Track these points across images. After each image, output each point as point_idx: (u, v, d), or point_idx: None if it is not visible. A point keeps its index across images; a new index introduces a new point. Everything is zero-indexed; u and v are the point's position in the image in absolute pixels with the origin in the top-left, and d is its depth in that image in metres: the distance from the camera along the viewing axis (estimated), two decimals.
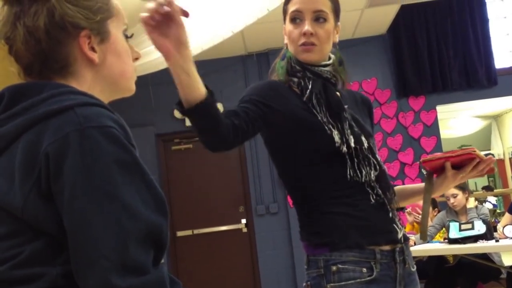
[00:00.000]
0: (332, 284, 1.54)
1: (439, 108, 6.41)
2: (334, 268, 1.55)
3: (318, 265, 1.58)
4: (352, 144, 1.62)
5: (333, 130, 1.62)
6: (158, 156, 6.45)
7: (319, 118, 1.64)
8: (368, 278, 1.56)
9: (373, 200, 1.62)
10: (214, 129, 1.53)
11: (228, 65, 6.47)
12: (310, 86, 1.69)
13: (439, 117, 6.42)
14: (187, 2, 4.26)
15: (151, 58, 4.43)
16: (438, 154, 1.67)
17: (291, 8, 1.75)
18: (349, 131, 1.64)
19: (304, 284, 1.63)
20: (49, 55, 1.02)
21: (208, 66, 6.36)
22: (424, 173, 1.77)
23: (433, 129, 6.34)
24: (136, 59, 1.17)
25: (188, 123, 5.76)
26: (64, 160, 0.88)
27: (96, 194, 0.88)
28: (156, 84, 6.15)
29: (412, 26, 6.28)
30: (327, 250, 1.57)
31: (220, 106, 6.44)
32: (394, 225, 1.65)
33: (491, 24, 6.46)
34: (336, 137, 1.61)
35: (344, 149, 1.60)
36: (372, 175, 1.64)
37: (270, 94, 1.67)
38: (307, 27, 1.69)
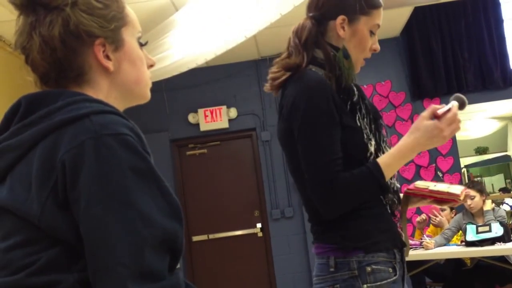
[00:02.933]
0: (368, 285, 1.58)
1: None
2: (369, 268, 1.59)
3: (350, 267, 1.59)
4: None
5: (372, 140, 1.65)
6: (173, 161, 6.47)
7: (359, 124, 1.64)
8: (394, 278, 1.62)
9: (389, 208, 1.70)
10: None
11: (241, 69, 6.48)
12: (356, 92, 1.68)
13: None
14: (200, 7, 4.28)
15: (165, 63, 4.46)
16: (425, 190, 1.73)
17: (377, 19, 1.71)
18: (384, 143, 1.70)
19: (327, 287, 1.63)
20: (64, 64, 1.03)
21: (221, 71, 6.39)
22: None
23: None
24: (151, 66, 1.17)
25: (202, 128, 5.82)
26: (81, 168, 0.89)
27: (112, 202, 0.89)
28: (170, 90, 6.19)
29: (425, 28, 6.25)
30: (362, 252, 1.60)
31: (234, 111, 6.49)
32: (399, 229, 1.74)
33: (505, 25, 6.40)
34: (372, 148, 1.63)
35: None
36: (392, 188, 1.70)
37: (332, 110, 1.60)
38: (377, 45, 1.73)
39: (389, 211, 1.70)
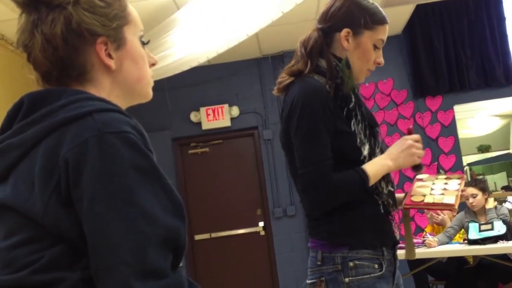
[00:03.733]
0: (350, 278, 1.69)
1: (457, 108, 6.36)
2: (351, 264, 1.69)
3: (335, 262, 1.71)
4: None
5: (366, 145, 1.75)
6: (175, 160, 6.47)
7: (353, 129, 1.74)
8: (379, 273, 1.72)
9: (382, 209, 1.78)
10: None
11: (243, 68, 6.48)
12: (353, 100, 1.77)
13: (456, 117, 6.36)
14: (202, 5, 4.28)
15: (167, 62, 4.45)
16: (421, 204, 1.90)
17: (381, 35, 1.82)
18: (378, 148, 1.81)
19: (315, 280, 1.74)
20: (66, 62, 1.03)
21: (223, 69, 6.38)
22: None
23: (450, 129, 6.29)
24: (153, 65, 1.17)
25: (204, 126, 5.82)
26: (83, 166, 0.89)
27: (114, 200, 0.89)
28: (172, 88, 6.19)
29: (427, 25, 6.23)
30: (347, 248, 1.70)
31: (236, 109, 6.49)
32: (394, 228, 1.83)
33: (508, 23, 6.39)
34: (365, 152, 1.74)
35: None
36: (386, 190, 1.80)
37: (326, 115, 1.70)
38: (381, 59, 1.84)
39: (383, 211, 1.79)
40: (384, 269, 1.74)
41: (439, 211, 5.11)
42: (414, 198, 1.90)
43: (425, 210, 5.37)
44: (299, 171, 1.69)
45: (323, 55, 1.79)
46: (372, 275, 1.70)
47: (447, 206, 1.87)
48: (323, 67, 1.78)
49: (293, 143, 1.74)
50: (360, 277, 1.69)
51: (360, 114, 1.77)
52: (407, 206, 1.90)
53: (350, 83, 1.77)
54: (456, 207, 1.86)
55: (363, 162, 1.73)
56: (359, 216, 1.74)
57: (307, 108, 1.68)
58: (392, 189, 1.84)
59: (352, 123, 1.74)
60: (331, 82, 1.74)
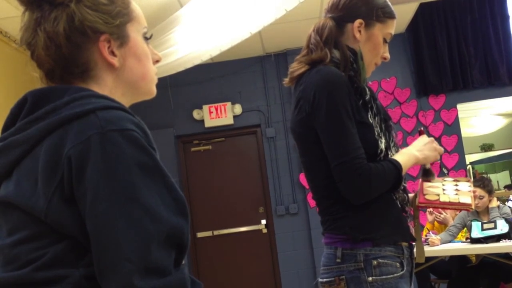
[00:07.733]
0: (374, 278, 1.62)
1: (460, 107, 6.35)
2: (375, 262, 1.63)
3: (357, 259, 1.64)
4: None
5: (382, 138, 1.71)
6: (177, 157, 6.48)
7: (370, 121, 1.70)
8: (401, 273, 1.66)
9: (399, 204, 1.74)
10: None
11: (246, 66, 6.48)
12: (368, 92, 1.74)
13: (460, 115, 6.35)
14: (205, 3, 4.28)
15: (170, 60, 4.45)
16: (436, 202, 1.83)
17: (390, 29, 1.81)
18: (393, 143, 1.77)
19: (332, 278, 1.66)
20: (69, 60, 1.03)
21: (226, 67, 6.38)
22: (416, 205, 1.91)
23: (453, 127, 6.28)
24: (157, 61, 1.17)
25: (207, 124, 5.83)
26: (86, 163, 0.89)
27: (118, 198, 0.89)
28: (175, 86, 6.20)
29: (431, 24, 6.22)
30: (370, 244, 1.64)
31: (238, 107, 6.48)
32: (409, 224, 1.78)
33: (511, 21, 6.37)
34: (382, 145, 1.69)
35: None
36: (401, 186, 1.74)
37: (352, 103, 1.67)
38: (388, 54, 1.83)
39: (400, 206, 1.74)
40: (404, 268, 1.68)
41: (441, 210, 5.11)
42: (428, 197, 1.83)
43: (428, 209, 5.37)
44: (336, 160, 1.61)
45: (337, 45, 1.76)
46: (395, 274, 1.64)
47: (464, 206, 1.82)
48: (336, 58, 1.74)
49: (315, 132, 1.66)
50: (384, 276, 1.62)
51: (375, 107, 1.74)
52: (422, 205, 1.84)
53: (363, 75, 1.75)
54: (473, 207, 1.83)
55: (379, 156, 1.67)
56: (380, 211, 1.68)
57: (336, 96, 1.62)
58: (405, 185, 1.79)
59: (368, 116, 1.70)
60: (345, 74, 1.70)
